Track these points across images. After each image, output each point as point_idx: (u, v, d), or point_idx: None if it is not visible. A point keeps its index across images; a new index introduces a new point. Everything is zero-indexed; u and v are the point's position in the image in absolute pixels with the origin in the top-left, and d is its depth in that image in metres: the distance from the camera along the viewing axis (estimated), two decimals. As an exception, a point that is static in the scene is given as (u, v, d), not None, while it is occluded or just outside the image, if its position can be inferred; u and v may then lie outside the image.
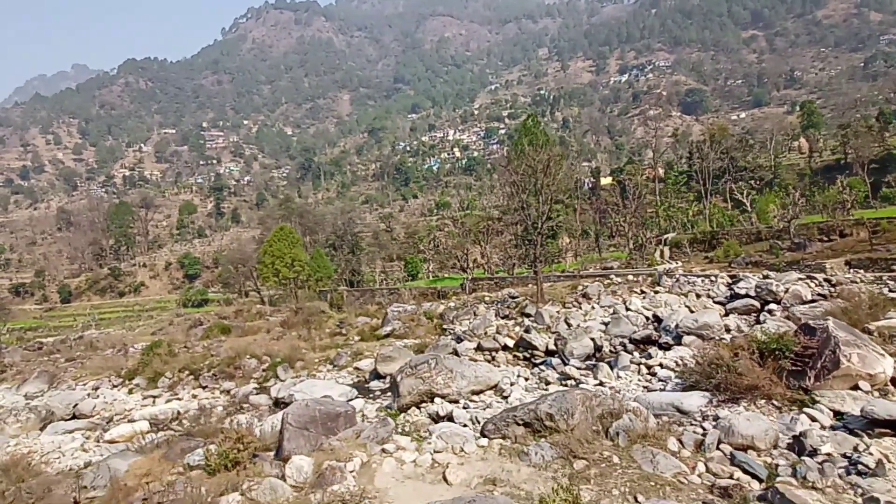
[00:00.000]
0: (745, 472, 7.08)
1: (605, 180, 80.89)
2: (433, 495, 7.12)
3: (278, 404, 18.66)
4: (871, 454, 7.52)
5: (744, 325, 18.00)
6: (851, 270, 23.35)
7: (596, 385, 13.88)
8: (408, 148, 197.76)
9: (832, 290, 19.58)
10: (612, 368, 15.25)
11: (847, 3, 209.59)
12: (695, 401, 10.60)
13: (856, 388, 10.33)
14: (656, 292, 23.27)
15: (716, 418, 9.69)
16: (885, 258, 23.78)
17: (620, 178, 60.61)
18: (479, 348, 20.74)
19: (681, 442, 8.11)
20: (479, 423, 12.25)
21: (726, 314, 19.28)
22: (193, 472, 8.79)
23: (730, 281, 22.69)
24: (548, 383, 15.55)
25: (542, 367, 17.91)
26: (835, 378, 10.49)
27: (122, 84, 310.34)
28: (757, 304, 19.19)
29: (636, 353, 16.97)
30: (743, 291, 20.38)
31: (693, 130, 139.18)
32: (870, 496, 6.41)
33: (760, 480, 6.93)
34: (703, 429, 9.27)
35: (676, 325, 17.78)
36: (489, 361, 19.28)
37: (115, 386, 25.37)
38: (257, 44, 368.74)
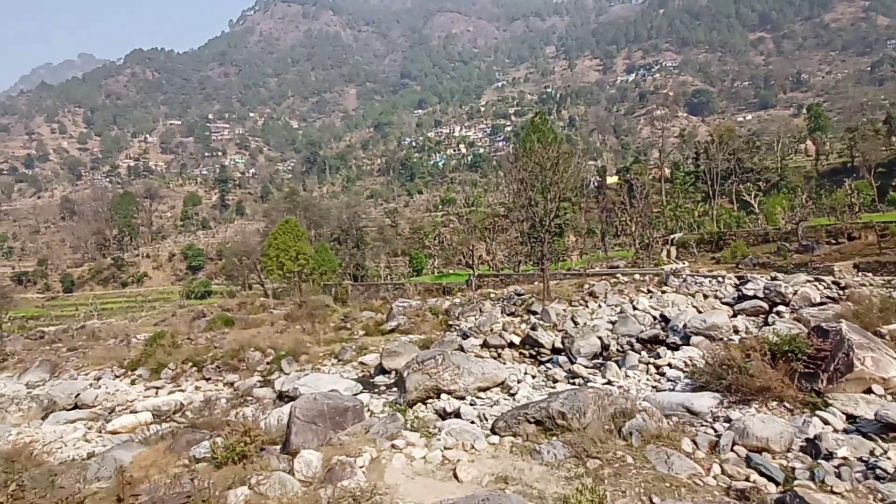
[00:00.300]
0: (762, 474, 6.96)
1: (611, 179, 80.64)
2: (444, 493, 7.01)
3: (282, 397, 18.63)
4: (888, 458, 7.40)
5: (752, 326, 17.90)
6: (860, 274, 23.17)
7: (604, 384, 13.77)
8: (414, 143, 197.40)
9: (841, 292, 19.45)
10: (619, 367, 15.12)
11: (855, 7, 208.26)
12: (705, 402, 10.48)
13: (869, 391, 10.21)
14: (663, 292, 23.16)
15: (727, 420, 9.58)
16: (894, 262, 23.57)
17: (627, 178, 60.32)
18: (485, 345, 20.67)
19: (695, 443, 8.00)
20: (486, 419, 12.17)
21: (734, 315, 19.17)
22: (199, 464, 8.70)
23: (737, 282, 22.56)
24: (555, 381, 15.46)
25: (549, 364, 17.82)
26: (848, 381, 10.37)
27: (128, 74, 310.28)
28: (765, 305, 19.08)
29: (644, 353, 16.87)
30: (751, 293, 20.26)
31: (699, 131, 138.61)
32: (891, 501, 6.30)
33: (777, 483, 6.81)
34: (715, 430, 9.16)
35: (684, 325, 17.68)
36: (495, 358, 19.20)
37: (117, 376, 25.34)
38: (264, 36, 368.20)
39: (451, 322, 26.16)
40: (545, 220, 25.04)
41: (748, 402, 10.20)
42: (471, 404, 13.68)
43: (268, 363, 23.44)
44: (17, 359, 33.93)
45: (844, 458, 7.44)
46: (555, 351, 19.20)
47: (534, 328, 20.66)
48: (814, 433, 8.45)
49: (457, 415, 12.73)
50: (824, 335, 10.98)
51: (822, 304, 18.31)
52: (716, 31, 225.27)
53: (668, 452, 7.35)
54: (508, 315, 24.40)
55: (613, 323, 20.17)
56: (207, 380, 22.83)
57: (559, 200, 25.09)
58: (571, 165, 28.82)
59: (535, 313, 23.28)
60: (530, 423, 8.59)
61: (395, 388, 17.47)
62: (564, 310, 22.94)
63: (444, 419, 12.48)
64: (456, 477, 7.42)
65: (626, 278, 25.93)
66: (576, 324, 21.03)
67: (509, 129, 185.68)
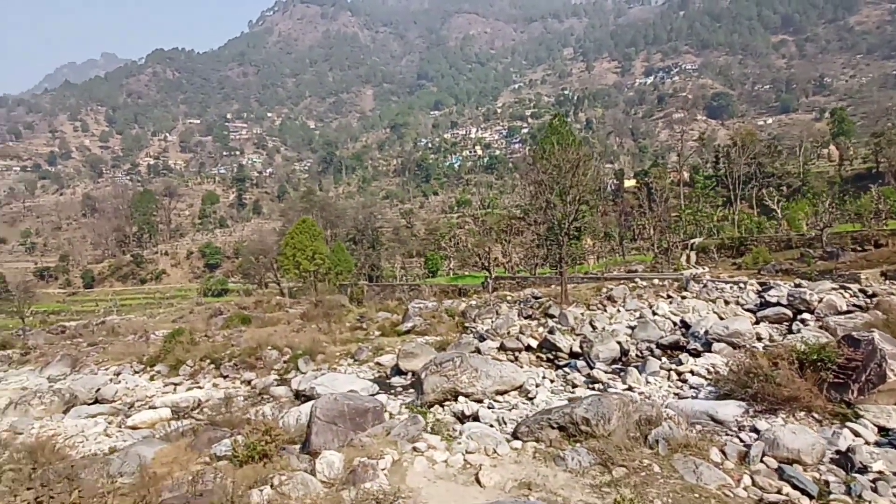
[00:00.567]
0: (795, 487, 6.76)
1: (629, 183, 79.88)
2: (466, 497, 6.94)
3: (299, 396, 18.64)
4: (926, 474, 7.16)
5: (775, 333, 17.52)
6: (888, 282, 22.59)
7: (625, 390, 13.57)
8: (429, 145, 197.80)
9: (868, 301, 18.98)
10: (640, 373, 14.89)
11: (881, 10, 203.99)
12: (730, 410, 10.26)
13: (902, 404, 9.91)
14: (683, 297, 22.81)
15: (753, 429, 9.36)
16: (924, 271, 22.93)
17: (645, 181, 59.67)
18: (501, 348, 20.52)
19: (723, 453, 7.81)
20: (505, 423, 12.05)
21: (757, 322, 18.78)
22: (220, 462, 8.71)
23: (759, 288, 22.13)
24: (574, 386, 15.28)
25: (567, 369, 17.63)
26: (880, 392, 10.08)
27: (149, 74, 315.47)
28: (789, 312, 18.66)
29: (664, 359, 16.60)
30: (774, 299, 19.83)
31: (718, 135, 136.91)
32: (931, 520, 6.08)
33: (811, 497, 6.62)
34: (741, 439, 8.96)
35: (706, 332, 17.37)
36: (512, 361, 19.04)
37: (136, 372, 25.56)
38: (283, 37, 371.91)
39: (467, 324, 26.05)
40: (564, 223, 24.81)
41: (775, 412, 9.96)
42: (489, 408, 13.57)
43: (284, 362, 23.49)
44: (39, 353, 34.45)
45: (880, 473, 7.21)
46: (573, 355, 18.99)
47: (551, 332, 20.46)
48: (845, 445, 8.21)
49: (475, 418, 12.63)
50: (855, 344, 10.69)
51: (848, 312, 17.86)
52: (737, 33, 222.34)
53: (697, 462, 7.18)
54: (525, 318, 24.22)
55: (633, 328, 19.90)
56: (225, 377, 22.94)
57: (578, 203, 24.86)
58: (591, 168, 28.55)
59: (552, 317, 23.09)
60: (553, 428, 8.47)
61: (411, 390, 17.43)
62: (582, 314, 22.71)
63: (462, 422, 12.39)
64: (478, 482, 7.33)
65: (644, 283, 25.61)
66: (594, 328, 20.80)
67: (525, 131, 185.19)
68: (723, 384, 11.71)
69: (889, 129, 71.69)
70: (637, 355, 17.94)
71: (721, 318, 18.99)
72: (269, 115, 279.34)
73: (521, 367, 18.53)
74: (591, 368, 16.73)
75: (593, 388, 14.60)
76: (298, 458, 8.49)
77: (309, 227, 50.88)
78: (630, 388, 13.70)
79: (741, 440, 8.87)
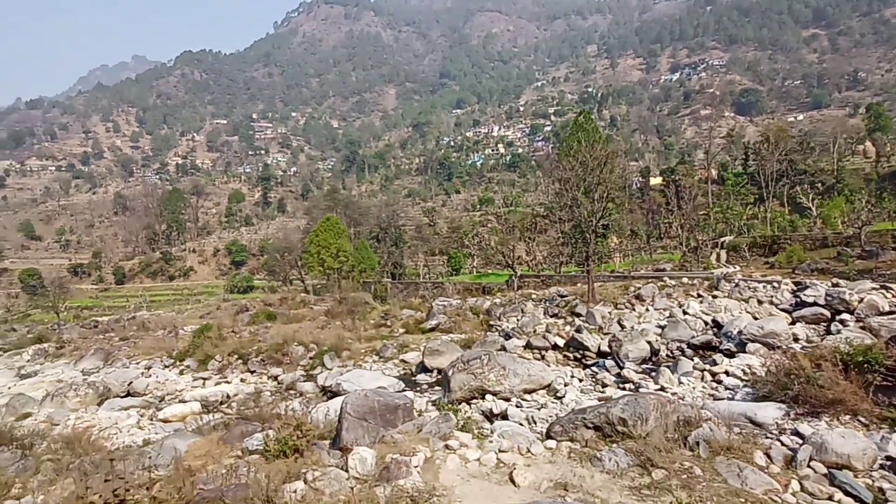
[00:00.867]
0: (847, 493, 6.46)
1: (655, 180, 78.48)
2: (501, 497, 6.81)
3: (325, 392, 18.74)
4: None
5: (813, 334, 16.95)
6: (931, 282, 21.71)
7: (657, 390, 13.26)
8: (452, 143, 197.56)
9: (912, 301, 18.25)
10: (672, 373, 14.55)
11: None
12: (770, 412, 9.90)
13: (955, 409, 9.44)
14: (714, 296, 22.27)
15: (795, 432, 9.02)
16: (971, 271, 21.98)
17: (672, 179, 58.53)
18: (528, 346, 20.32)
19: (768, 456, 7.51)
20: (535, 422, 11.90)
21: (793, 322, 18.22)
22: (252, 456, 8.75)
23: (795, 288, 21.46)
24: (604, 386, 15.02)
25: (595, 368, 17.37)
26: (931, 397, 9.63)
27: (178, 75, 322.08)
28: (827, 313, 18.02)
29: (696, 359, 16.21)
30: (811, 299, 19.19)
31: (747, 132, 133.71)
32: None
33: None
34: (782, 443, 8.65)
35: (739, 332, 16.89)
36: (539, 360, 18.83)
37: (166, 366, 26.07)
38: (307, 37, 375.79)
39: (492, 322, 25.89)
40: (591, 221, 24.44)
41: (817, 415, 9.58)
42: (517, 406, 13.44)
43: (310, 358, 23.68)
44: (74, 346, 35.51)
45: (935, 480, 6.85)
46: (600, 354, 18.70)
47: (578, 330, 20.18)
48: (895, 451, 7.85)
49: (504, 417, 12.51)
50: (903, 346, 10.24)
51: (891, 313, 17.17)
52: (766, 28, 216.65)
53: (741, 465, 6.91)
54: (551, 317, 23.96)
55: (662, 327, 19.48)
56: (252, 372, 23.21)
57: (606, 201, 24.47)
58: (618, 165, 28.10)
59: (579, 315, 22.78)
60: (588, 428, 8.27)
61: (437, 387, 17.37)
62: (610, 312, 22.35)
63: (491, 421, 12.28)
64: (512, 481, 7.19)
65: (673, 281, 25.07)
66: (622, 327, 20.45)
67: (549, 129, 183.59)
68: (761, 386, 11.32)
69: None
70: (667, 355, 17.57)
71: (755, 318, 18.45)
72: (294, 114, 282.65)
73: (549, 365, 18.31)
74: (621, 368, 16.43)
75: (624, 388, 14.33)
76: (329, 454, 8.47)
77: (333, 225, 51.31)
78: (662, 389, 13.38)
79: (783, 443, 8.55)
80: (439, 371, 18.81)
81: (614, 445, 7.75)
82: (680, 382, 13.86)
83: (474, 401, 14.12)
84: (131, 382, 21.74)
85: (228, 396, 19.43)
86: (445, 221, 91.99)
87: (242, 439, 9.52)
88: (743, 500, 6.29)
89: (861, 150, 78.94)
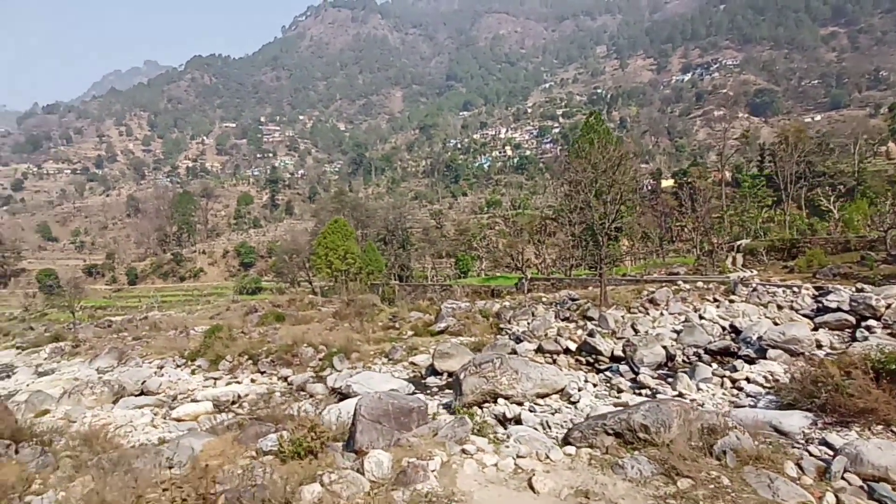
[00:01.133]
0: (885, 507, 6.20)
1: (667, 182, 77.85)
2: (520, 504, 6.61)
3: (334, 394, 18.61)
4: None
5: (836, 341, 16.56)
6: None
7: (674, 396, 12.98)
8: (459, 145, 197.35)
9: (939, 307, 17.79)
10: (690, 379, 14.24)
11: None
12: (796, 421, 9.61)
13: None
14: (731, 301, 21.92)
15: (823, 442, 8.73)
16: None
17: (685, 181, 57.86)
18: (539, 350, 20.07)
19: (800, 467, 7.24)
20: (549, 427, 11.67)
21: (815, 328, 17.83)
22: (266, 457, 8.64)
23: (816, 293, 21.06)
24: (619, 391, 14.74)
25: (609, 373, 17.09)
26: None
27: (188, 79, 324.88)
28: (851, 319, 17.61)
29: (715, 365, 15.88)
30: (834, 305, 18.79)
31: (762, 133, 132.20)
32: None
33: (903, 518, 6.05)
34: (810, 453, 8.37)
35: (759, 338, 16.55)
36: (550, 364, 18.58)
37: (178, 366, 26.12)
38: (315, 41, 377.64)
39: (502, 325, 25.64)
40: (604, 223, 24.13)
41: (847, 425, 9.27)
42: (530, 411, 13.21)
43: (320, 359, 23.56)
44: (89, 345, 35.75)
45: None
46: (614, 359, 18.42)
47: (591, 334, 19.90)
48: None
49: (517, 421, 12.30)
50: (935, 352, 9.91)
51: (921, 319, 16.78)
52: (782, 26, 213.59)
53: (771, 476, 6.65)
54: (562, 320, 23.68)
55: (678, 332, 19.16)
56: (262, 373, 23.15)
57: (620, 203, 24.16)
58: (631, 167, 27.77)
59: (591, 319, 22.49)
60: (609, 434, 8.04)
61: (447, 390, 17.18)
62: (623, 316, 22.04)
63: (504, 425, 12.06)
64: (532, 488, 6.98)
65: (688, 285, 24.72)
66: (636, 331, 20.15)
67: (557, 130, 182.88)
68: (786, 393, 11.02)
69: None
70: (684, 361, 17.24)
71: (776, 324, 18.08)
72: (301, 117, 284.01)
73: (561, 370, 18.05)
74: (636, 373, 16.15)
75: (640, 394, 14.05)
76: (343, 456, 8.33)
77: (341, 227, 51.29)
78: (680, 395, 13.09)
79: (811, 453, 8.26)
80: (449, 374, 18.62)
81: (636, 453, 7.52)
82: (698, 389, 13.56)
83: (486, 404, 13.90)
84: (145, 381, 21.84)
85: (239, 396, 19.38)
86: (453, 224, 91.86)
87: (257, 440, 9.41)
88: (774, 511, 6.05)
89: (883, 151, 77.35)
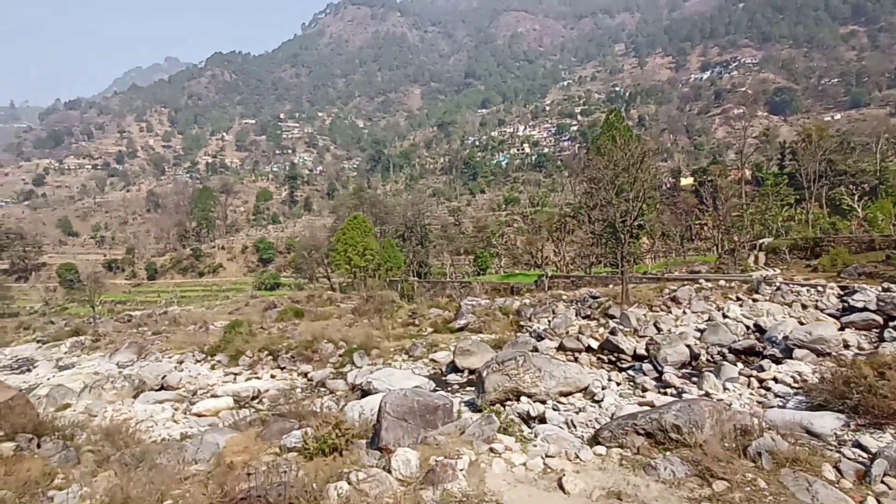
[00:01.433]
0: (930, 513, 6.01)
1: (686, 181, 76.84)
2: (551, 504, 6.52)
3: (354, 390, 18.65)
4: None
5: (864, 341, 16.19)
6: None
7: (701, 395, 12.76)
8: (477, 143, 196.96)
9: (971, 308, 17.27)
10: (716, 379, 14.00)
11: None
12: (828, 422, 9.38)
13: None
14: (755, 300, 21.49)
15: (856, 444, 8.50)
16: None
17: (710, 179, 57.00)
18: (560, 348, 19.90)
19: (838, 470, 7.05)
20: (574, 426, 11.55)
21: (841, 328, 17.44)
22: (290, 454, 8.63)
23: (841, 292, 20.59)
24: (644, 390, 14.55)
25: (632, 372, 16.88)
26: None
27: (208, 76, 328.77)
28: (879, 318, 17.18)
29: (740, 364, 15.60)
30: (860, 304, 18.35)
31: (781, 131, 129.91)
32: None
33: (948, 525, 5.85)
34: (843, 455, 8.16)
35: (785, 337, 16.21)
36: (572, 362, 18.42)
37: (197, 361, 26.34)
38: (334, 38, 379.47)
39: (522, 323, 25.48)
40: (627, 220, 23.84)
41: (881, 427, 9.02)
42: (554, 409, 13.10)
43: (340, 355, 23.61)
44: (109, 340, 36.24)
45: None
46: (636, 358, 18.19)
47: (613, 332, 19.68)
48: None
49: (541, 420, 12.20)
50: (974, 355, 9.61)
51: (951, 319, 16.32)
52: (802, 25, 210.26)
53: (809, 479, 6.48)
54: (583, 318, 23.46)
55: (701, 331, 18.85)
56: (282, 369, 23.28)
57: (643, 200, 23.84)
58: (653, 164, 27.41)
59: (612, 317, 22.25)
60: (639, 434, 7.91)
61: (468, 388, 17.12)
62: (645, 315, 21.77)
63: (527, 423, 11.97)
64: (562, 488, 6.89)
65: (710, 284, 24.32)
66: (659, 330, 19.88)
67: (575, 128, 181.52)
68: (816, 394, 10.77)
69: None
70: (708, 360, 16.96)
71: (801, 323, 17.71)
72: (320, 114, 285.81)
73: (583, 368, 17.89)
74: (660, 372, 15.93)
75: (665, 393, 13.84)
76: (368, 454, 8.30)
77: (360, 224, 51.46)
78: (707, 395, 12.86)
79: (842, 455, 8.06)
80: (470, 371, 18.56)
81: (668, 453, 7.39)
82: (725, 388, 13.32)
83: (508, 402, 13.82)
84: (165, 376, 21.99)
85: (260, 392, 19.48)
86: (471, 221, 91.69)
87: (280, 436, 9.42)
88: (815, 516, 5.89)
89: (906, 149, 75.58)
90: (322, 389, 19.71)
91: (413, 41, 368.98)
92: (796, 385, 12.60)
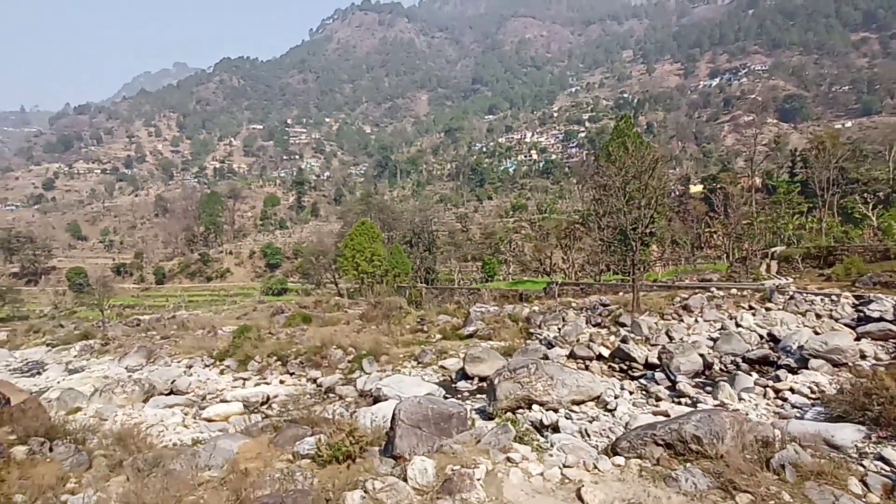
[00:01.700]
0: (960, 530, 5.85)
1: (695, 188, 76.50)
2: (571, 516, 6.41)
3: (363, 396, 18.57)
4: None
5: (881, 351, 15.96)
6: None
7: (716, 405, 12.60)
8: (484, 149, 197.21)
9: None
10: (731, 388, 13.82)
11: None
12: (848, 434, 9.19)
13: None
14: (768, 309, 21.27)
15: (879, 457, 8.33)
16: None
17: (716, 186, 56.68)
18: (571, 356, 19.78)
19: (865, 484, 6.91)
20: (588, 435, 11.43)
21: (857, 338, 17.21)
22: (303, 461, 8.57)
23: (856, 302, 20.34)
24: (658, 399, 14.39)
25: (644, 380, 16.72)
26: None
27: (217, 81, 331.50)
28: (895, 329, 17.00)
29: (754, 374, 15.41)
30: (876, 314, 18.14)
31: (791, 139, 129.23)
32: None
33: (980, 542, 5.70)
34: (864, 468, 8.01)
35: (800, 347, 16.00)
36: (583, 370, 18.28)
37: (206, 365, 26.26)
38: (342, 44, 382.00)
39: (532, 330, 25.32)
40: (638, 227, 23.70)
41: (904, 439, 8.86)
42: (566, 418, 12.98)
43: (349, 361, 23.55)
44: (118, 343, 36.31)
45: None
46: (648, 366, 18.04)
47: (624, 341, 19.54)
48: None
49: (555, 429, 12.09)
50: None
51: (970, 330, 16.07)
52: (812, 31, 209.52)
53: (836, 493, 6.35)
54: (594, 326, 23.30)
55: (714, 340, 18.68)
56: (291, 374, 23.21)
57: (655, 208, 23.69)
58: (664, 171, 27.26)
59: (623, 325, 22.08)
60: (659, 445, 7.79)
61: (479, 395, 17.00)
62: (656, 323, 21.59)
63: (540, 432, 11.85)
64: (580, 499, 6.78)
65: (721, 292, 24.12)
66: (671, 338, 19.72)
67: (583, 135, 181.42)
68: (836, 405, 10.59)
69: None
70: (721, 369, 16.79)
71: (816, 333, 17.49)
72: (327, 120, 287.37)
73: (595, 376, 17.74)
74: (673, 381, 15.77)
75: (679, 403, 13.69)
76: (381, 461, 8.22)
77: (368, 230, 51.49)
78: (722, 405, 12.70)
79: (864, 468, 7.91)
80: (481, 378, 18.44)
81: (689, 465, 7.26)
82: (740, 399, 13.15)
83: (520, 410, 13.71)
84: (174, 381, 21.94)
85: (269, 397, 19.43)
86: (478, 227, 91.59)
87: (293, 443, 9.35)
88: (843, 531, 5.75)
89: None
90: (331, 395, 19.63)
91: (420, 47, 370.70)
92: (813, 396, 12.42)
